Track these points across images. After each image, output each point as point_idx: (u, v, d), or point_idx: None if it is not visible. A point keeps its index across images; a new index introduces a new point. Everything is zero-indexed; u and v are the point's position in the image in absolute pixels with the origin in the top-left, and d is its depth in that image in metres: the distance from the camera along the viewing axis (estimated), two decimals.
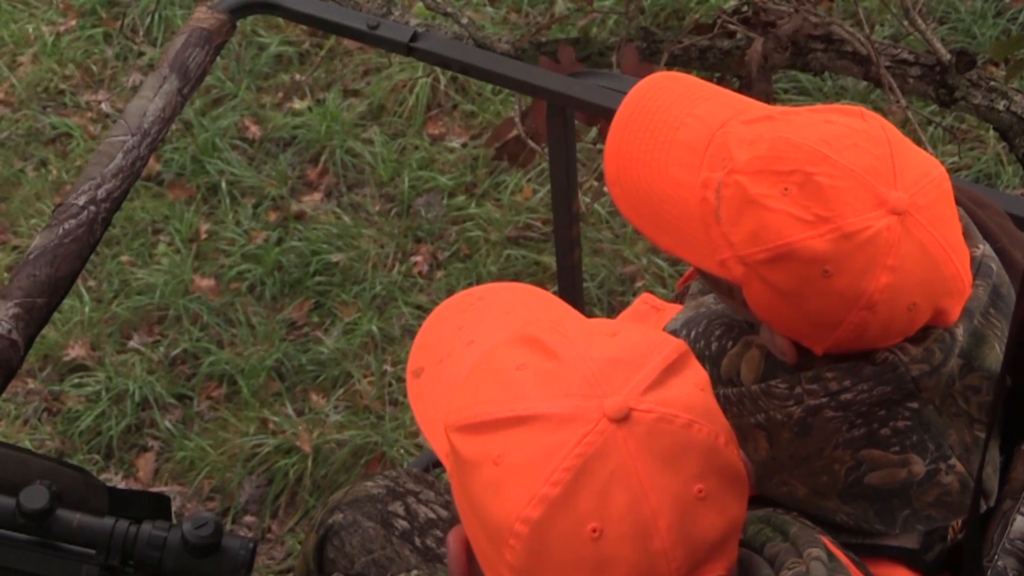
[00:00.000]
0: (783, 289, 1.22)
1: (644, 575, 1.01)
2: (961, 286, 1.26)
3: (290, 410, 2.95)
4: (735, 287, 1.27)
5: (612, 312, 3.03)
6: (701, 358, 1.34)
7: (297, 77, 3.62)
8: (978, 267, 1.31)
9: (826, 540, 1.17)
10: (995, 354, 1.29)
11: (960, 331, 1.26)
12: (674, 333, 1.40)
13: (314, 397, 2.98)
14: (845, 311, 1.21)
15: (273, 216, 3.33)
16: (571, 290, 2.36)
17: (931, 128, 3.12)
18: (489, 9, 3.68)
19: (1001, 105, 2.22)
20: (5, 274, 3.22)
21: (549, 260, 3.10)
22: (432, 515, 1.72)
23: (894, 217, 1.20)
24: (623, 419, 1.02)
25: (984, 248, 1.33)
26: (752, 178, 1.22)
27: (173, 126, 2.58)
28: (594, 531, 1.01)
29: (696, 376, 1.09)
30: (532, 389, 1.05)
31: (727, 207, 1.24)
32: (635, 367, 1.05)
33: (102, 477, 2.85)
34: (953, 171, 2.81)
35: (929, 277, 1.23)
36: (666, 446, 1.02)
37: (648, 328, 1.14)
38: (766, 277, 1.22)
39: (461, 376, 1.13)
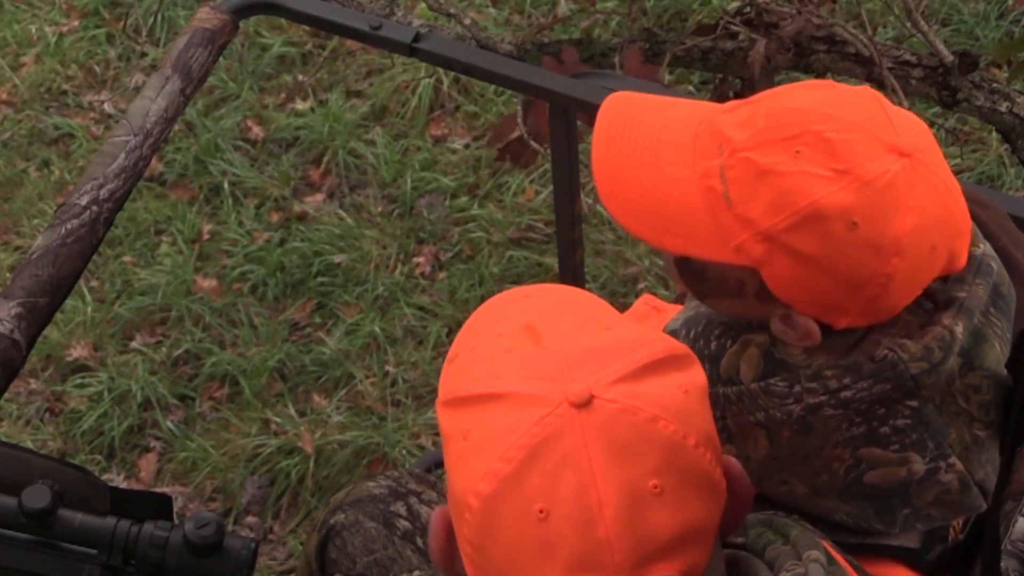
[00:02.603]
0: (810, 255, 1.21)
1: (587, 562, 1.01)
2: (967, 226, 1.28)
3: (292, 411, 2.95)
4: (747, 280, 1.26)
5: None
6: (700, 357, 1.33)
7: (300, 78, 3.63)
8: (978, 266, 1.31)
9: (827, 544, 1.16)
10: (995, 353, 1.29)
11: (960, 329, 1.27)
12: (673, 333, 1.40)
13: (316, 398, 2.99)
14: (876, 263, 1.21)
15: (275, 217, 3.33)
16: None
17: (933, 130, 3.11)
18: (492, 10, 3.68)
19: (1004, 107, 2.22)
20: (7, 274, 3.22)
21: (551, 261, 3.11)
22: None
23: (906, 159, 1.21)
24: (584, 405, 1.02)
25: (985, 247, 1.34)
26: (759, 150, 1.22)
27: (175, 126, 2.58)
28: (541, 512, 1.01)
29: (685, 379, 1.08)
30: (511, 370, 1.06)
31: (737, 187, 1.23)
32: (611, 359, 1.05)
33: (104, 477, 2.85)
34: (956, 173, 2.81)
35: (943, 217, 1.23)
36: (623, 437, 1.02)
37: (649, 328, 1.14)
38: (792, 246, 1.21)
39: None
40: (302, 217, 3.33)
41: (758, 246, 1.23)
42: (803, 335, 1.27)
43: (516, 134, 2.39)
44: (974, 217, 1.36)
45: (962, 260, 1.27)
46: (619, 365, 1.05)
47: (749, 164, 1.22)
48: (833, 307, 1.25)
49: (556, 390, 1.03)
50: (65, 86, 3.67)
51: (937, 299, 1.29)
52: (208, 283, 3.20)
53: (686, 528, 1.03)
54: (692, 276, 1.33)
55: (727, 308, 1.35)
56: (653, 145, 1.30)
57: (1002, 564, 1.32)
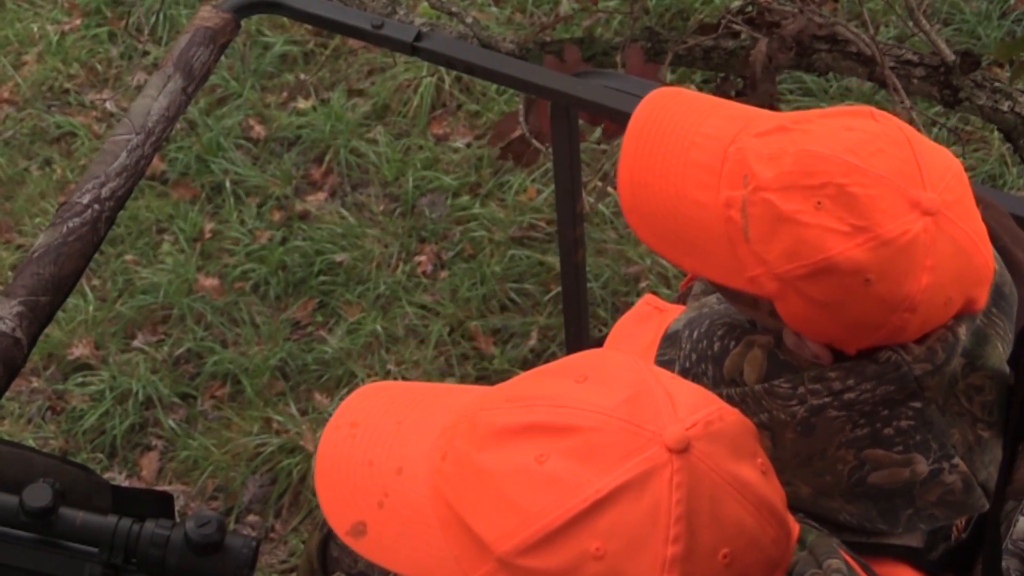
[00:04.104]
0: (823, 301, 1.22)
1: (771, 568, 1.03)
2: (989, 273, 1.27)
3: (294, 409, 2.96)
4: (762, 300, 1.26)
5: (617, 312, 3.03)
6: (703, 358, 1.34)
7: (302, 77, 3.63)
8: None
9: (842, 550, 1.16)
10: (997, 353, 1.29)
11: (962, 330, 1.27)
12: (676, 334, 1.40)
13: (318, 396, 2.99)
14: (887, 315, 1.21)
15: (277, 216, 3.33)
16: (575, 290, 2.36)
17: (935, 129, 3.11)
18: (494, 9, 3.68)
19: (1005, 106, 2.22)
20: (9, 272, 3.22)
21: (553, 260, 3.10)
22: None
23: (928, 218, 1.20)
24: (687, 446, 1.01)
25: None
26: (781, 195, 1.21)
27: (177, 125, 2.58)
28: (725, 556, 1.00)
29: (670, 372, 1.09)
30: (579, 472, 1.00)
31: (756, 225, 1.23)
32: (648, 395, 1.04)
33: (106, 476, 2.85)
34: None
35: (962, 270, 1.23)
36: (725, 446, 1.03)
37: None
38: (804, 291, 1.22)
39: (422, 503, 1.06)
40: (304, 216, 3.33)
41: (771, 283, 1.23)
42: (815, 355, 1.28)
43: (518, 133, 2.39)
44: None
45: (980, 303, 1.27)
46: (659, 396, 1.04)
47: (770, 206, 1.22)
48: (842, 342, 1.26)
49: (656, 453, 1.00)
50: (67, 85, 3.68)
51: None
52: (210, 282, 3.20)
53: (779, 484, 1.07)
54: (712, 281, 1.34)
55: (747, 313, 1.35)
56: (680, 163, 1.29)
57: (1003, 563, 1.31)
